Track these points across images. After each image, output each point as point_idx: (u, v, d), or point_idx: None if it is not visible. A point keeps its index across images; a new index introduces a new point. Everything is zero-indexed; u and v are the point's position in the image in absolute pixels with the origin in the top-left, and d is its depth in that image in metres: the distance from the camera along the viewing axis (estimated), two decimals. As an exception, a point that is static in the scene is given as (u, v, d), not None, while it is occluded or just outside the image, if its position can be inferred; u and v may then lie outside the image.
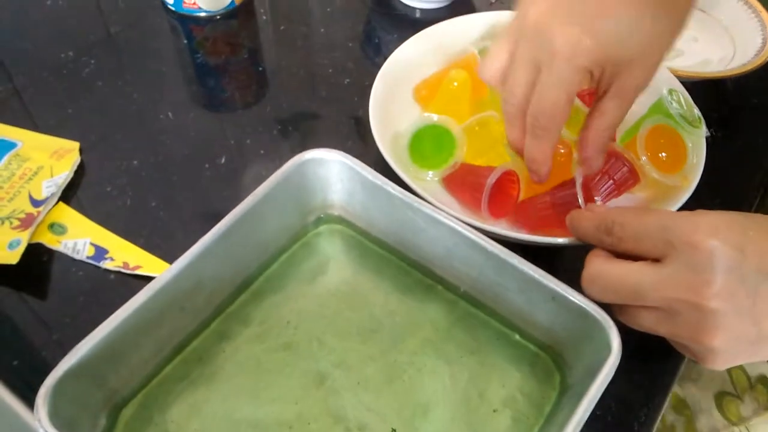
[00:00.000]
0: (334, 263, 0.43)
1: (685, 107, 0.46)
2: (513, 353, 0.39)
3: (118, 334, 0.33)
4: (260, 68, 0.59)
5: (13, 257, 0.41)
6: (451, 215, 0.38)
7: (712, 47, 0.59)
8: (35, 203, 0.44)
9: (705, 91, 0.56)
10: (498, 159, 0.45)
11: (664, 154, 0.43)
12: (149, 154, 0.50)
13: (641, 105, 0.48)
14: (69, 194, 0.46)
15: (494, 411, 0.36)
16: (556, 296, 0.35)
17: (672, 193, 0.43)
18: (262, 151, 0.51)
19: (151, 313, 0.34)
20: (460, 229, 0.38)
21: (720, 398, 0.57)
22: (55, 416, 0.29)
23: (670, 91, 0.47)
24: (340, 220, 0.44)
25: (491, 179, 0.41)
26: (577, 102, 0.46)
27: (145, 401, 0.36)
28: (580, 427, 0.31)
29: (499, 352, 0.39)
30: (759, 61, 0.54)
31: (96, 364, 0.32)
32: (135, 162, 0.49)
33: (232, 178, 0.48)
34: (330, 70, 0.58)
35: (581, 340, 0.35)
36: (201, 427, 0.35)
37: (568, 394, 0.36)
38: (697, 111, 0.47)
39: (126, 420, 0.35)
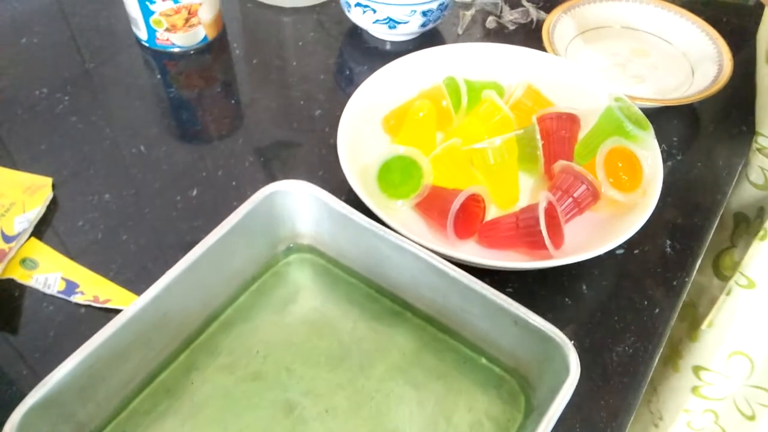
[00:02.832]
0: (303, 292, 0.44)
1: (630, 111, 0.48)
2: (479, 377, 0.39)
3: (85, 367, 0.33)
4: (233, 101, 0.60)
5: (-18, 293, 0.41)
6: (416, 242, 0.39)
7: (673, 75, 0.62)
8: (7, 239, 0.45)
9: (665, 116, 0.57)
10: (465, 182, 0.46)
11: (622, 174, 0.45)
12: (121, 188, 0.50)
13: (591, 115, 0.50)
14: (41, 229, 0.47)
15: (461, 435, 0.37)
16: (518, 320, 0.36)
17: (632, 212, 0.44)
18: (234, 183, 0.52)
19: (117, 346, 0.35)
20: (423, 255, 0.38)
21: (717, 260, 0.58)
22: (19, 452, 0.29)
23: (616, 98, 0.49)
24: (310, 249, 0.45)
25: (456, 203, 0.42)
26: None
27: (114, 435, 0.36)
28: (540, 449, 0.31)
29: (465, 376, 0.39)
30: (715, 88, 0.56)
31: (63, 398, 0.32)
32: (107, 196, 0.50)
33: (204, 209, 0.49)
34: (302, 102, 0.59)
35: (543, 362, 0.36)
36: (169, 459, 0.35)
37: (532, 416, 0.37)
38: (639, 114, 0.49)
39: (93, 454, 0.35)
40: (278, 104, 0.60)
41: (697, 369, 0.63)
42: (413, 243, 0.39)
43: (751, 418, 0.64)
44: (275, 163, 0.54)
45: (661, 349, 0.42)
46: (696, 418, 0.67)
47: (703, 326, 0.59)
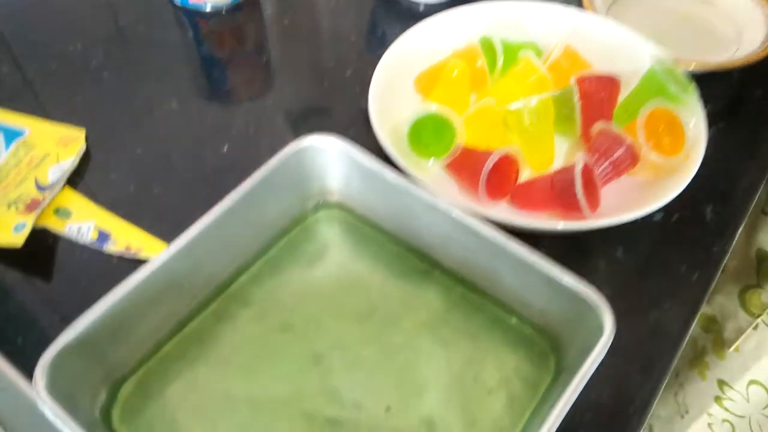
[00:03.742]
0: (332, 248, 0.44)
1: (673, 73, 0.47)
2: (509, 337, 0.39)
3: (117, 310, 0.33)
4: (264, 60, 0.59)
5: (18, 240, 0.41)
6: (447, 201, 0.38)
7: (718, 39, 0.59)
8: (41, 188, 0.45)
9: (710, 81, 0.55)
10: (499, 144, 0.45)
11: (664, 136, 0.44)
12: (153, 143, 0.51)
13: (631, 78, 0.48)
14: (74, 180, 0.47)
15: (489, 392, 0.37)
16: (550, 280, 0.35)
17: (672, 176, 0.43)
18: (264, 140, 0.51)
19: (149, 291, 0.35)
20: (455, 214, 0.38)
21: (743, 294, 0.59)
22: (53, 389, 0.30)
23: (658, 60, 0.47)
24: (339, 206, 0.45)
25: (489, 163, 0.41)
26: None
27: (145, 378, 0.36)
28: (568, 407, 0.31)
29: (494, 336, 0.39)
30: (762, 53, 0.53)
31: (95, 340, 0.33)
32: (139, 150, 0.50)
33: (234, 165, 0.49)
34: (333, 62, 0.59)
35: (575, 322, 0.35)
36: (199, 404, 0.36)
37: (562, 376, 0.36)
38: (684, 75, 0.47)
39: (125, 396, 0.35)
40: (309, 64, 0.59)
41: (721, 383, 0.65)
42: (445, 201, 0.38)
43: None
44: (305, 123, 0.54)
45: (696, 319, 0.41)
46: (716, 422, 0.68)
47: (731, 350, 0.60)
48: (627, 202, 0.43)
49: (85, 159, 0.49)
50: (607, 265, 0.43)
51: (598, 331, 0.33)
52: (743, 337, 0.61)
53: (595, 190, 0.42)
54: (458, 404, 0.36)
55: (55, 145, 0.49)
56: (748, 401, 0.63)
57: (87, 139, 0.50)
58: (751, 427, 0.66)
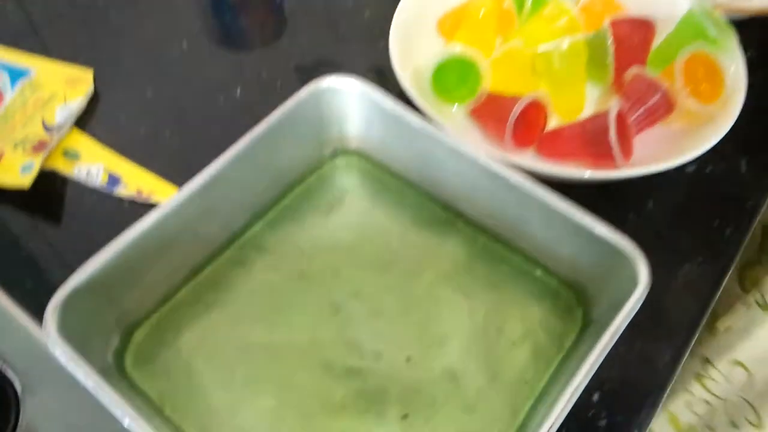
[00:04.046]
0: (350, 196, 0.42)
1: (713, 16, 0.44)
2: (534, 289, 0.38)
3: (129, 253, 0.32)
4: (278, 2, 0.57)
5: (25, 181, 0.40)
6: (474, 147, 0.37)
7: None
8: (48, 129, 0.44)
9: (750, 28, 0.52)
10: (526, 89, 0.43)
11: (702, 82, 0.41)
12: (163, 85, 0.48)
13: (666, 22, 0.45)
14: (82, 122, 0.46)
15: (513, 344, 0.35)
16: (581, 229, 0.34)
17: (708, 125, 0.41)
18: (278, 84, 0.49)
19: (163, 234, 0.33)
20: (482, 160, 0.36)
21: (744, 269, 0.58)
22: (64, 331, 0.29)
23: (696, 3, 0.44)
24: (358, 153, 0.43)
25: (517, 109, 0.39)
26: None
27: (158, 324, 0.35)
28: (600, 361, 0.30)
29: (519, 288, 0.38)
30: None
31: (107, 282, 0.32)
32: (149, 92, 0.48)
33: (248, 109, 0.47)
34: (351, 3, 0.56)
35: (607, 274, 0.34)
36: (215, 350, 0.35)
37: (590, 329, 0.35)
38: (723, 19, 0.44)
39: (139, 341, 0.34)
40: (325, 6, 0.56)
41: (704, 360, 0.62)
42: (471, 147, 0.36)
43: (736, 427, 0.63)
44: (322, 66, 0.51)
45: (730, 272, 0.40)
46: (696, 402, 0.66)
47: (721, 329, 0.58)
48: (659, 152, 0.41)
49: (93, 101, 0.47)
50: (636, 218, 0.41)
51: (632, 283, 0.31)
52: (735, 315, 0.59)
53: (628, 139, 0.40)
54: (481, 356, 0.35)
55: (63, 86, 0.47)
56: (730, 383, 0.62)
57: (95, 80, 0.48)
58: (727, 410, 0.64)
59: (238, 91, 0.48)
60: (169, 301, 0.36)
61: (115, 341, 0.33)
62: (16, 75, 0.47)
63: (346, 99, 0.40)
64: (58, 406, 0.32)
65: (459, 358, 0.35)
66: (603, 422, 0.34)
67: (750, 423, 0.62)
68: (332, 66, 0.51)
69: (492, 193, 0.37)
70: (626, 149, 0.39)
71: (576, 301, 0.37)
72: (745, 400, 0.62)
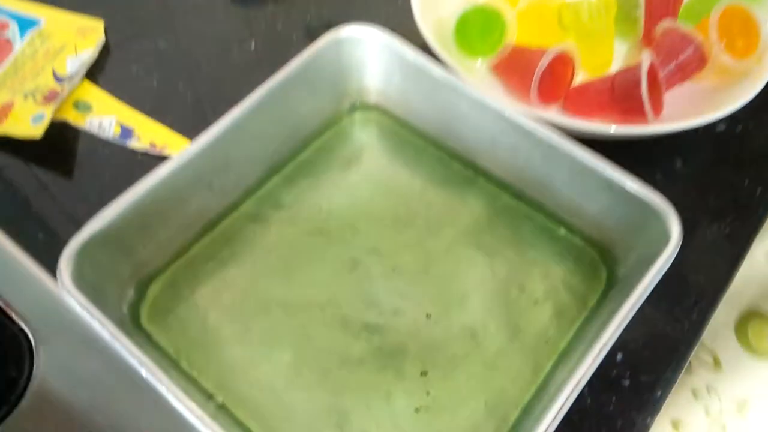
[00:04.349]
0: (369, 152, 0.41)
1: None
2: (557, 247, 0.37)
3: (144, 204, 0.31)
4: (293, -48, 0.55)
5: (36, 131, 0.39)
6: (498, 99, 0.35)
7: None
8: (59, 79, 0.42)
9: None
10: (553, 42, 0.41)
11: (737, 37, 0.39)
12: (176, 36, 0.47)
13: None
14: (94, 74, 0.44)
15: (535, 303, 0.35)
16: (611, 184, 0.32)
17: (742, 81, 0.39)
18: (294, 36, 0.48)
19: (177, 186, 0.33)
20: (507, 113, 0.35)
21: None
22: (79, 280, 0.28)
23: None
24: (377, 108, 0.42)
25: (543, 62, 0.38)
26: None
27: (174, 277, 0.35)
28: (628, 320, 0.29)
29: (542, 246, 0.37)
30: None
31: (122, 233, 0.31)
32: (161, 43, 0.47)
33: (263, 62, 0.46)
34: (368, -45, 0.54)
35: (635, 231, 0.33)
36: (231, 305, 0.34)
37: (615, 288, 0.34)
38: None
39: (155, 294, 0.34)
40: (342, -44, 0.54)
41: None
42: (495, 99, 0.35)
43: None
44: (338, 18, 0.49)
45: (759, 231, 0.38)
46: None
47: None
48: (690, 109, 0.39)
49: (105, 52, 0.46)
50: (664, 178, 0.40)
51: (662, 240, 0.30)
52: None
53: (659, 94, 0.38)
54: (502, 314, 0.34)
55: (73, 36, 0.45)
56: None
57: (106, 31, 0.47)
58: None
59: (253, 44, 0.47)
60: (185, 256, 0.35)
61: (130, 294, 0.33)
62: (25, 25, 0.46)
63: (366, 49, 0.39)
64: (72, 359, 0.32)
65: (479, 316, 0.34)
66: (626, 382, 0.33)
67: None
68: (351, 18, 0.50)
69: (516, 148, 0.36)
70: (657, 105, 0.38)
71: (601, 260, 0.36)
72: None
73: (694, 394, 0.56)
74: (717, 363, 0.54)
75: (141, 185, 0.31)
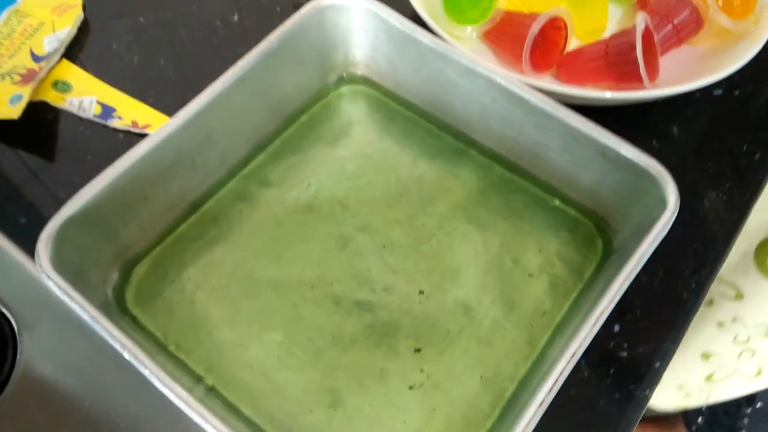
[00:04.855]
0: (357, 126, 0.40)
1: None
2: (551, 219, 0.36)
3: (124, 182, 0.30)
4: None
5: (14, 112, 0.38)
6: (489, 66, 0.34)
7: None
8: (36, 59, 0.41)
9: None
10: (544, 7, 0.40)
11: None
12: (156, 11, 0.46)
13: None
14: (73, 52, 0.43)
15: (529, 276, 0.34)
16: (606, 151, 0.31)
17: (738, 44, 0.38)
18: (278, 8, 0.46)
19: (158, 162, 0.32)
20: (499, 80, 0.34)
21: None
22: (59, 263, 0.27)
23: None
24: (364, 81, 0.40)
25: (534, 28, 0.37)
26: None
27: (160, 259, 0.34)
28: (624, 289, 0.28)
29: (535, 218, 0.36)
30: None
31: (103, 213, 0.30)
32: (141, 19, 0.45)
33: (248, 35, 0.44)
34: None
35: (631, 200, 0.32)
36: (219, 286, 0.33)
37: (611, 259, 0.33)
38: None
39: (140, 277, 0.33)
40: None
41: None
42: (486, 66, 0.34)
43: None
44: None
45: (758, 197, 0.37)
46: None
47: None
48: (686, 73, 0.38)
49: (84, 30, 0.44)
50: (661, 145, 0.39)
51: (659, 207, 0.29)
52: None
53: (654, 57, 0.37)
54: (496, 288, 0.34)
55: (51, 14, 0.44)
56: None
57: (84, 8, 0.45)
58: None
59: (236, 16, 0.46)
60: (170, 236, 0.34)
61: (114, 277, 0.32)
62: (1, 3, 0.45)
63: (352, 17, 0.37)
64: (57, 344, 0.31)
65: (473, 290, 0.34)
66: (624, 353, 0.33)
67: None
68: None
69: (508, 117, 0.35)
70: (652, 69, 0.37)
71: (596, 230, 0.35)
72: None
73: (720, 326, 0.54)
74: (739, 294, 0.52)
75: (119, 163, 0.30)
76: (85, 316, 0.26)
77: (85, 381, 0.30)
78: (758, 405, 0.66)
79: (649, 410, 0.69)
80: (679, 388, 0.62)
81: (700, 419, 0.72)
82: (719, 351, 0.55)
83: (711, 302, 0.53)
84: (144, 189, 0.31)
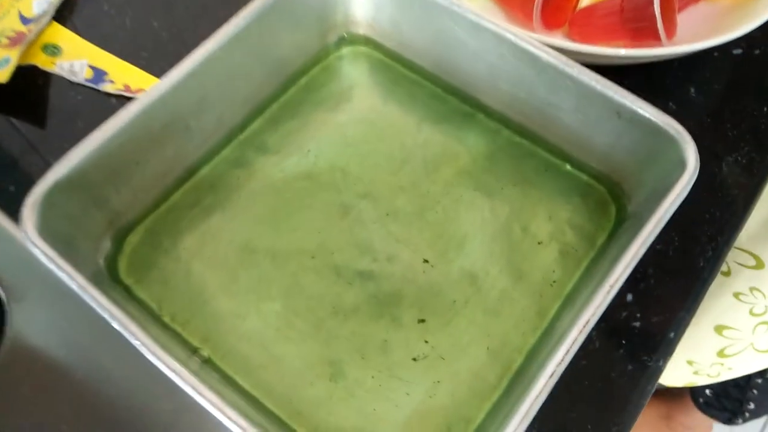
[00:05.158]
0: (359, 89, 0.38)
1: None
2: (562, 185, 0.34)
3: (114, 146, 0.29)
4: None
5: (2, 76, 0.36)
6: (498, 23, 0.32)
7: None
8: (25, 21, 0.39)
9: None
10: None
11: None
12: (149, -29, 0.44)
13: None
14: (63, 14, 0.41)
15: (539, 244, 0.32)
16: (621, 111, 0.30)
17: (760, 0, 0.36)
18: (276, -32, 0.44)
19: (151, 126, 0.30)
20: (508, 35, 0.32)
21: None
22: (46, 231, 0.26)
23: None
24: (366, 41, 0.39)
25: (546, -18, 0.35)
26: None
27: (154, 227, 0.33)
28: (639, 256, 0.27)
29: (546, 184, 0.34)
30: None
31: (91, 179, 0.29)
32: (134, -21, 0.43)
33: (243, -3, 0.42)
34: None
35: (647, 162, 0.30)
36: (215, 255, 0.32)
37: (625, 225, 0.32)
38: None
39: (133, 246, 0.32)
40: None
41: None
42: (495, 22, 0.32)
43: None
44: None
45: (780, 163, 0.36)
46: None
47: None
48: (705, 30, 0.36)
49: (73, -10, 0.43)
50: (677, 107, 0.37)
51: (678, 169, 0.28)
52: None
53: (672, 13, 0.35)
54: (504, 256, 0.32)
55: (38, -26, 0.42)
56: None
57: (74, -32, 0.43)
58: None
59: (232, -23, 0.44)
60: (164, 204, 0.33)
61: (106, 245, 0.31)
62: (-14, -35, 0.43)
63: (351, -25, 0.35)
64: (47, 315, 0.30)
65: (480, 259, 0.32)
66: (637, 324, 0.31)
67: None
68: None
69: (518, 77, 0.33)
70: (670, 25, 0.35)
71: (609, 195, 0.33)
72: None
73: (737, 297, 0.52)
74: (759, 263, 0.50)
75: (107, 126, 0.28)
76: (73, 286, 0.24)
77: (77, 353, 0.29)
78: None
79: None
80: (688, 363, 0.61)
81: (707, 390, 0.71)
82: (734, 323, 0.53)
83: (728, 272, 0.51)
84: (135, 154, 0.30)
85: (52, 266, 0.25)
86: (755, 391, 0.67)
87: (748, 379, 0.65)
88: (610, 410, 0.29)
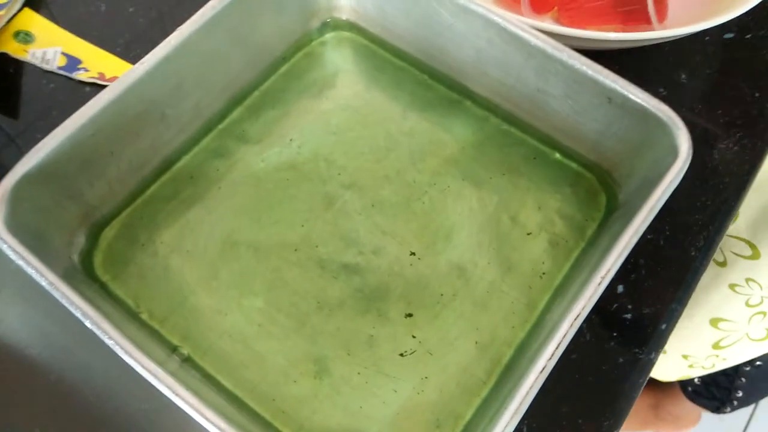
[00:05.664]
0: (343, 76, 0.37)
1: None
2: (551, 173, 0.33)
3: (86, 135, 0.28)
4: None
5: (-31, 65, 0.35)
6: (485, 5, 0.31)
7: None
8: (-7, 7, 0.38)
9: None
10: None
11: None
12: (125, -45, 0.42)
13: None
14: (36, 1, 0.40)
15: (528, 234, 0.32)
16: (612, 96, 0.29)
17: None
18: (257, -49, 0.43)
19: (125, 115, 0.29)
20: (496, 18, 0.31)
21: None
22: (14, 224, 0.25)
23: None
24: (350, 26, 0.38)
25: (534, -36, 0.34)
26: None
27: (130, 221, 0.31)
28: (631, 246, 0.26)
29: (534, 173, 0.33)
30: None
31: (63, 170, 0.27)
32: (108, -37, 0.42)
33: (223, -19, 0.41)
34: None
35: (638, 150, 0.30)
36: (195, 249, 0.31)
37: (615, 214, 0.31)
38: None
39: (109, 240, 0.31)
40: None
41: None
42: (483, 5, 0.31)
43: None
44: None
45: (772, 150, 0.35)
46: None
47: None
48: (697, 14, 0.36)
49: (46, -24, 0.41)
50: (668, 92, 0.37)
51: (670, 155, 0.27)
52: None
53: (663, -3, 0.34)
54: (493, 248, 0.31)
55: (7, -42, 0.40)
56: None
57: (45, -48, 0.42)
58: None
59: (211, -39, 0.42)
60: (141, 197, 0.32)
61: (80, 240, 0.30)
62: (-47, -52, 0.41)
63: (334, -44, 0.34)
64: (21, 312, 0.29)
65: (467, 251, 0.31)
66: (628, 315, 0.31)
67: None
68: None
69: (506, 62, 0.32)
70: (661, 8, 0.34)
71: (599, 184, 0.33)
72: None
73: (732, 288, 0.52)
74: (755, 252, 0.49)
75: (78, 115, 0.27)
76: (43, 282, 0.23)
77: (53, 351, 0.28)
78: (757, 363, 0.65)
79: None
80: (683, 357, 0.61)
81: (696, 379, 0.71)
82: (729, 315, 0.53)
83: (724, 262, 0.50)
84: (109, 144, 0.29)
85: (20, 262, 0.24)
86: (743, 380, 0.67)
87: (737, 368, 0.65)
88: (602, 404, 0.29)
